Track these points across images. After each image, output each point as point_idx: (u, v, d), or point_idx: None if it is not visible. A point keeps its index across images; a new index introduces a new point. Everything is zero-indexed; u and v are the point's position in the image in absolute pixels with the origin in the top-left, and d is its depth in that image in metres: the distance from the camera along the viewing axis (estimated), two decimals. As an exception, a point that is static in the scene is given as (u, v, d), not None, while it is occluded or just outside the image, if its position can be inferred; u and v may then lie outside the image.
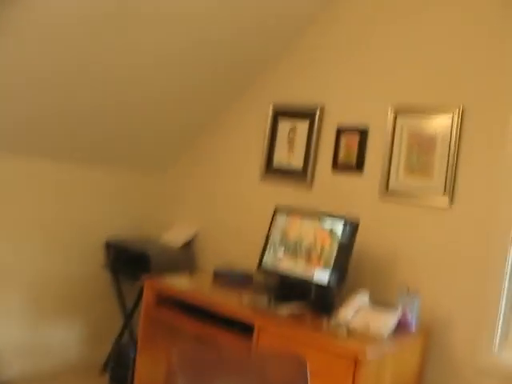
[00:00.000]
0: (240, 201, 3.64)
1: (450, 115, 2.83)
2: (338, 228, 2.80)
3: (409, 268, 2.86)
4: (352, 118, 3.18)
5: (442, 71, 2.88)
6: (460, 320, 2.66)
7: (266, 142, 3.53)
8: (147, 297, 2.94)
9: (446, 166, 2.83)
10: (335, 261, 2.75)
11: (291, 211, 3.04)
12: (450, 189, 2.79)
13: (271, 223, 3.08)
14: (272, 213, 3.16)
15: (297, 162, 3.39)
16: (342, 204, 3.14)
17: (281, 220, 3.05)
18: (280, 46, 3.48)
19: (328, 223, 2.85)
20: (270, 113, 3.53)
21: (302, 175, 3.34)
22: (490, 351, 2.59)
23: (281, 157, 3.47)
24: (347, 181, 3.17)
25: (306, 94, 3.40)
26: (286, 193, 3.41)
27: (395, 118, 3.02)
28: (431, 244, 2.81)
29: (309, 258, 2.86)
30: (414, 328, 2.57)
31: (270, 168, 3.51)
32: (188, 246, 3.75)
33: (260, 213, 3.47)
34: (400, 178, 2.98)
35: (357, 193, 3.12)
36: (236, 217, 3.64)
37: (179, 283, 2.95)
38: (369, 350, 2.18)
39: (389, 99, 3.05)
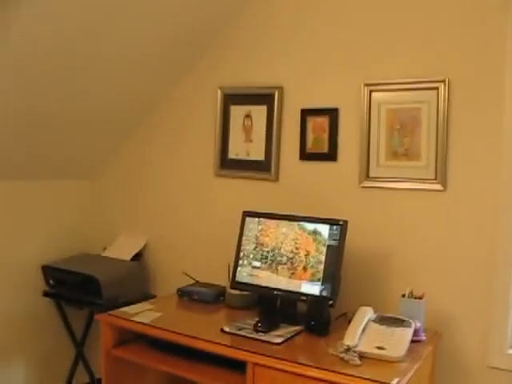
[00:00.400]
0: (195, 201, 3.18)
1: (435, 90, 2.48)
2: (324, 230, 2.42)
3: (404, 268, 2.54)
4: (318, 99, 2.78)
5: (423, 40, 2.51)
6: (468, 320, 2.38)
7: (218, 131, 3.07)
8: (106, 336, 2.45)
9: (435, 145, 2.50)
10: (325, 269, 2.38)
11: (263, 215, 2.61)
12: (443, 169, 2.47)
13: (241, 230, 2.65)
14: (234, 211, 2.78)
15: (257, 152, 2.95)
16: (315, 197, 2.76)
17: (252, 226, 2.63)
18: (222, 22, 2.98)
19: (310, 225, 2.46)
20: (219, 98, 3.05)
21: (264, 167, 2.92)
22: (502, 351, 2.33)
23: (237, 148, 3.02)
24: (319, 170, 2.78)
25: (260, 75, 2.95)
26: (247, 188, 2.99)
27: (370, 95, 2.64)
28: (426, 237, 2.50)
29: (292, 267, 2.47)
30: (423, 336, 2.25)
31: (226, 161, 3.06)
32: (139, 259, 3.26)
33: (221, 214, 3.04)
34: (381, 163, 2.62)
35: (332, 183, 2.74)
36: (192, 221, 3.18)
37: (140, 314, 2.47)
38: (396, 380, 1.84)
39: (360, 74, 2.66)
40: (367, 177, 2.65)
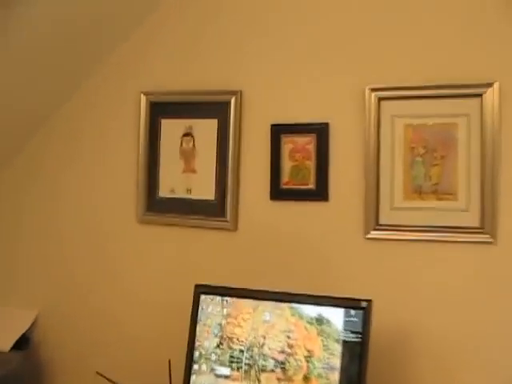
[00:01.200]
0: (108, 261, 2.15)
1: (478, 98, 1.69)
2: (335, 316, 1.52)
3: (435, 357, 1.71)
4: (298, 110, 1.90)
5: (459, 26, 1.72)
6: None
7: (142, 157, 2.07)
8: None
9: (478, 177, 1.70)
10: (342, 381, 1.48)
11: (230, 291, 1.66)
12: (491, 212, 1.68)
13: (194, 315, 1.68)
14: (173, 280, 1.98)
15: (204, 188, 2.00)
16: (296, 256, 1.88)
17: (212, 309, 1.67)
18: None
19: (311, 309, 1.55)
20: (143, 109, 2.07)
21: (216, 210, 1.98)
22: None
23: (172, 181, 2.05)
24: (302, 215, 1.89)
25: (207, 75, 2.02)
26: (190, 241, 2.02)
27: (378, 105, 1.80)
28: (470, 311, 1.69)
29: (285, 377, 1.54)
30: None
31: (155, 201, 2.07)
32: (25, 348, 2.16)
33: (152, 284, 2.04)
34: (397, 204, 1.78)
35: (321, 234, 1.87)
36: (105, 292, 2.14)
37: None
38: None
39: (363, 74, 1.82)
40: (376, 224, 1.80)
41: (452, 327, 1.70)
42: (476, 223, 1.70)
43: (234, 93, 1.94)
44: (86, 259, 2.18)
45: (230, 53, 1.97)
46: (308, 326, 1.55)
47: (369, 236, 1.80)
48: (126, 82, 2.11)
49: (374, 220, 1.80)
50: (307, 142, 1.87)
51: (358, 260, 1.81)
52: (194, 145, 2.01)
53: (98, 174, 2.17)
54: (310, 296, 1.58)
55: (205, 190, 1.99)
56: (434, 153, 1.75)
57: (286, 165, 1.90)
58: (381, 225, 1.80)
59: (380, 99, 1.79)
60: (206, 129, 1.99)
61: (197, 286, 1.70)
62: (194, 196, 2.01)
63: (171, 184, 2.04)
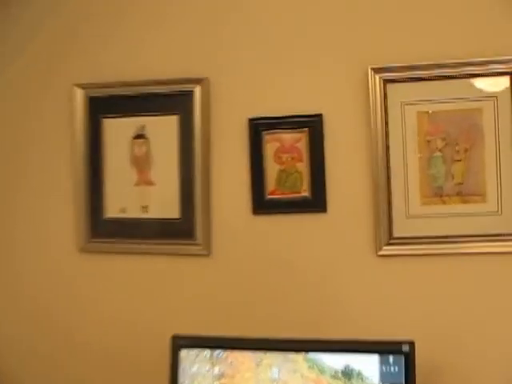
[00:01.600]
0: (46, 303, 1.66)
1: (507, 76, 1.39)
2: (368, 366, 1.15)
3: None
4: (282, 99, 1.51)
5: None
6: None
7: (80, 170, 1.60)
8: None
9: (511, 174, 1.39)
10: None
11: (223, 343, 1.25)
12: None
13: (173, 375, 1.25)
14: (137, 327, 1.54)
15: (164, 203, 1.57)
16: (288, 284, 1.49)
17: (199, 367, 1.24)
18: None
19: (333, 359, 1.17)
20: (80, 105, 1.60)
21: (180, 231, 1.55)
22: None
23: (122, 197, 1.60)
24: (294, 230, 1.51)
25: (162, 61, 1.58)
26: (147, 273, 1.58)
27: (384, 88, 1.45)
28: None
29: None
30: None
31: (100, 223, 1.61)
32: None
33: (104, 333, 1.59)
34: (414, 211, 1.44)
35: (319, 253, 1.49)
36: (49, 339, 1.66)
37: None
38: None
39: (363, 51, 1.47)
40: (389, 238, 1.45)
41: (491, 362, 1.37)
42: (510, 229, 1.39)
43: (198, 81, 1.52)
44: (17, 300, 1.68)
45: (192, 30, 1.55)
46: (333, 381, 1.16)
47: (381, 253, 1.45)
48: (57, 72, 1.63)
49: (386, 232, 1.45)
50: (296, 140, 1.49)
51: (369, 284, 1.46)
52: (148, 149, 1.57)
53: (22, 194, 1.67)
54: (331, 341, 1.20)
55: (166, 207, 1.56)
56: (455, 146, 1.42)
57: (271, 169, 1.50)
58: (395, 238, 1.45)
59: (386, 82, 1.44)
60: (163, 128, 1.56)
61: (175, 338, 1.26)
62: (152, 215, 1.57)
63: (121, 201, 1.59)
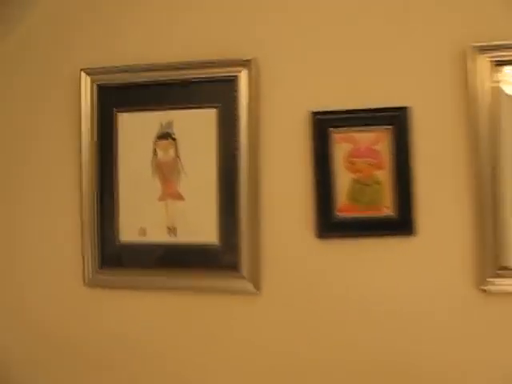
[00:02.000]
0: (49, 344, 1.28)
1: None
2: None
3: None
4: (355, 88, 1.14)
5: None
6: None
7: (87, 179, 1.22)
8: None
9: None
10: None
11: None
12: None
13: None
14: None
15: (196, 224, 1.19)
16: (366, 330, 1.12)
17: None
18: None
19: None
20: (86, 95, 1.22)
21: (219, 260, 1.18)
22: None
23: (141, 216, 1.22)
24: (373, 261, 1.14)
25: (194, 40, 1.21)
26: (173, 315, 1.22)
27: (494, 74, 1.09)
28: None
29: None
30: None
31: (112, 251, 1.23)
32: None
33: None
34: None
35: (408, 290, 1.12)
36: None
37: None
38: None
39: (466, 27, 1.11)
40: (497, 268, 1.09)
41: None
42: None
43: (243, 63, 1.15)
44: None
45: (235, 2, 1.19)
46: None
47: (486, 287, 1.09)
48: (60, 56, 1.26)
49: (492, 261, 1.09)
50: (375, 140, 1.13)
51: (472, 329, 1.10)
52: (176, 153, 1.20)
53: (21, 209, 1.30)
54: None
55: (200, 228, 1.19)
56: None
57: (342, 179, 1.14)
58: (505, 268, 1.09)
59: (496, 64, 1.09)
60: (196, 125, 1.19)
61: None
62: (181, 239, 1.20)
63: (140, 221, 1.22)
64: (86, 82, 1.21)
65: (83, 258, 1.23)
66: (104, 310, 1.25)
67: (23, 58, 1.30)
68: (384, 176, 1.13)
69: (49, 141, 1.27)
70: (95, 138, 1.22)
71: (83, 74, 1.22)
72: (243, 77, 1.16)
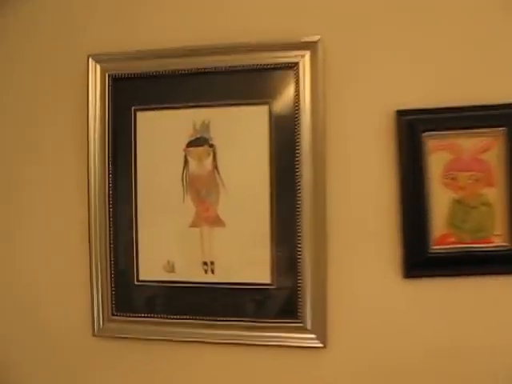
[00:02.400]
0: None
1: None
2: None
3: None
4: (454, 80, 0.85)
5: None
6: None
7: (101, 192, 0.92)
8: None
9: None
10: None
11: None
12: None
13: None
14: None
15: (242, 258, 0.89)
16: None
17: None
18: None
19: None
20: (96, 88, 0.92)
21: (274, 306, 0.88)
22: None
23: (167, 247, 0.92)
24: (476, 305, 0.86)
25: (237, 20, 0.92)
26: (212, 373, 0.92)
27: None
28: None
29: None
30: None
31: (130, 292, 0.93)
32: None
33: None
34: None
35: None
36: None
37: None
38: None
39: None
40: None
41: None
42: None
43: (306, 46, 0.86)
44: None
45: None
46: None
47: None
48: (66, 41, 0.97)
49: None
50: (482, 148, 0.86)
51: None
52: (215, 164, 0.91)
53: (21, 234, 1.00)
54: None
55: (246, 264, 0.90)
56: None
57: (439, 198, 0.86)
58: None
59: None
60: (241, 127, 0.90)
61: None
62: (220, 278, 0.91)
63: (167, 253, 0.92)
64: (94, 71, 0.92)
65: (92, 301, 0.94)
66: (114, 362, 0.96)
67: (28, 43, 1.00)
68: (494, 195, 0.85)
69: (54, 146, 0.99)
70: (107, 143, 0.92)
71: (91, 60, 0.92)
72: (306, 64, 0.87)
